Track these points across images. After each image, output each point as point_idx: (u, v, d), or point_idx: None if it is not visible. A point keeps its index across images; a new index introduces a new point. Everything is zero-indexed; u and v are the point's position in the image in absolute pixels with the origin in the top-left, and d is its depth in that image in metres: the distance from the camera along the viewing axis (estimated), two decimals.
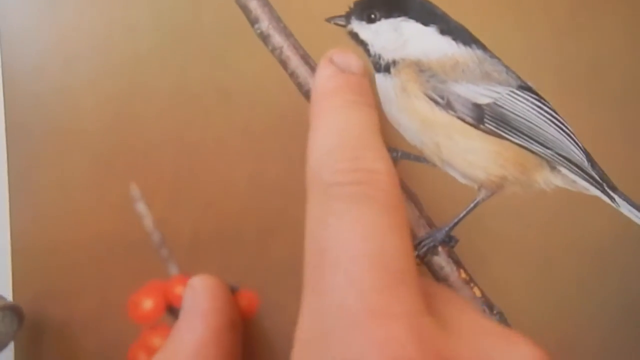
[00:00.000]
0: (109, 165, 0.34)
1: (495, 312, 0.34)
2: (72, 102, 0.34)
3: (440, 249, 0.34)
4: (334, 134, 0.22)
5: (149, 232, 0.33)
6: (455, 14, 0.34)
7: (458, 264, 0.34)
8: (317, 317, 0.18)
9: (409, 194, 0.34)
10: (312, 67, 0.34)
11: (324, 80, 0.25)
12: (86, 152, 0.34)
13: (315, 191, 0.21)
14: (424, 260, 0.34)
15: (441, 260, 0.34)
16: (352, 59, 0.26)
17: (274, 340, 0.33)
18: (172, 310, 0.33)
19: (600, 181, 0.35)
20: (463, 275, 0.34)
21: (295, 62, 0.34)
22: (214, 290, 0.28)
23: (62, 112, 0.34)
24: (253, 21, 0.34)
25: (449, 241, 0.34)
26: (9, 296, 0.32)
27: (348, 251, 0.19)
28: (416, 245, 0.34)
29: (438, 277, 0.34)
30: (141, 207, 0.33)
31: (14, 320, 0.31)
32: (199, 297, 0.27)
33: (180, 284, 0.33)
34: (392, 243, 0.19)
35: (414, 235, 0.34)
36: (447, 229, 0.34)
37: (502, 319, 0.34)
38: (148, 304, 0.33)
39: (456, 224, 0.34)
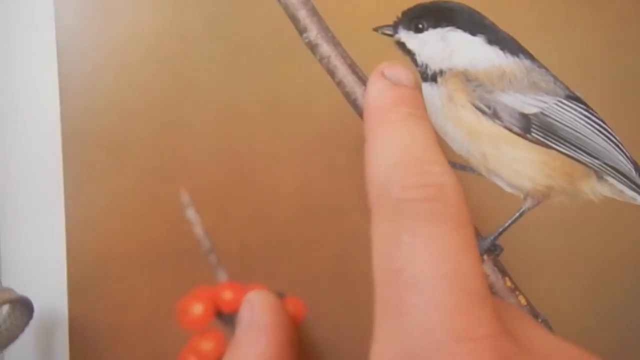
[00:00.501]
0: (160, 174, 0.34)
1: (540, 320, 0.34)
2: (125, 112, 0.34)
3: (485, 257, 0.34)
4: (397, 148, 0.22)
5: (199, 238, 0.34)
6: (504, 25, 0.35)
7: (503, 272, 0.34)
8: (397, 339, 0.19)
9: None
10: (360, 77, 0.35)
11: (378, 94, 0.25)
12: (138, 161, 0.34)
13: (383, 206, 0.21)
14: None
15: (486, 268, 0.34)
16: (403, 72, 0.25)
17: (320, 348, 0.34)
18: (221, 316, 0.34)
19: None
20: (508, 283, 0.34)
21: (342, 71, 0.35)
22: (272, 306, 0.28)
23: (115, 122, 0.34)
24: (302, 30, 0.35)
25: (494, 250, 0.34)
26: (64, 303, 0.33)
27: (426, 272, 0.19)
28: None
29: None
30: (191, 213, 0.34)
31: (24, 313, 0.32)
32: (259, 312, 0.27)
33: (228, 289, 0.34)
34: (467, 263, 0.19)
35: None
36: (492, 237, 0.34)
37: (547, 326, 0.34)
38: (197, 309, 0.33)
39: (501, 232, 0.34)
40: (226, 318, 0.34)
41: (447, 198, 0.20)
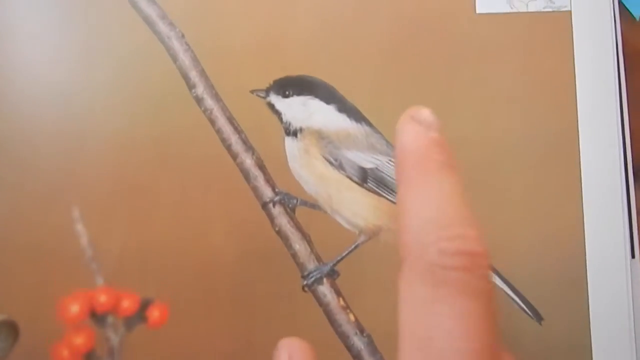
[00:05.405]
0: (56, 192, 0.40)
1: (364, 334, 0.42)
2: (29, 138, 0.41)
3: (325, 280, 0.42)
4: (433, 202, 0.22)
5: (83, 249, 0.40)
6: (351, 97, 0.45)
7: (338, 293, 0.42)
8: None
9: (303, 234, 0.43)
10: (235, 127, 0.43)
11: (415, 136, 0.23)
12: (38, 179, 0.41)
13: (419, 266, 0.21)
14: (311, 288, 0.42)
15: (325, 289, 0.42)
16: (431, 118, 0.23)
17: (182, 346, 0.40)
18: (94, 315, 0.40)
19: None
20: (342, 302, 0.42)
21: (222, 121, 0.43)
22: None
23: (19, 146, 0.41)
24: (191, 87, 0.43)
25: (332, 274, 0.42)
26: None
27: (457, 344, 0.20)
28: (306, 276, 0.42)
29: (321, 302, 0.42)
30: (79, 227, 0.40)
31: (9, 335, 0.33)
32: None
33: (103, 293, 0.40)
34: (491, 339, 0.20)
35: (304, 268, 0.42)
36: (331, 264, 0.42)
37: (370, 341, 0.42)
38: (74, 308, 0.39)
39: (339, 260, 0.42)
40: (98, 318, 0.40)
41: (479, 268, 0.21)
